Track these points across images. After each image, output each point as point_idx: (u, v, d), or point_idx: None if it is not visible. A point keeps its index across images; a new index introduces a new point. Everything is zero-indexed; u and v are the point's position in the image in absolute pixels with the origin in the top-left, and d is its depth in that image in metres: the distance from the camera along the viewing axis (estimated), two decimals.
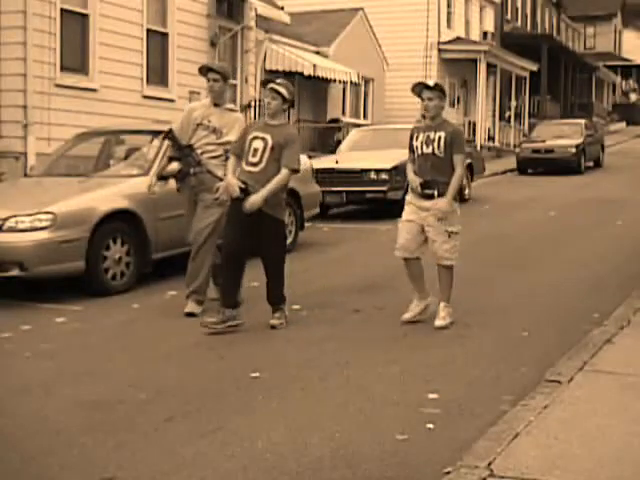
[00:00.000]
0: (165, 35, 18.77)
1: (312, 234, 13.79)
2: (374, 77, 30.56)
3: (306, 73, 24.58)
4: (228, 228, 7.99)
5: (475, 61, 33.71)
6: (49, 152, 13.36)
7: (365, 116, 30.33)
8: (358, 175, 16.63)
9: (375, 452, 5.00)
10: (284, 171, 7.82)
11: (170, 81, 18.67)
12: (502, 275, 10.65)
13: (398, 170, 16.52)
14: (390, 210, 16.00)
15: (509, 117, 37.87)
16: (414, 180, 7.89)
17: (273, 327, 7.97)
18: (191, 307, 8.50)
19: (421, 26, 32.57)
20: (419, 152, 7.89)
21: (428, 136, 7.84)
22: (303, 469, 4.80)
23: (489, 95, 36.10)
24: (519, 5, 45.15)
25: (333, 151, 20.58)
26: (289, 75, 25.17)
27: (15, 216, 9.29)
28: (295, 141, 8.00)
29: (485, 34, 37.58)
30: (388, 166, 16.49)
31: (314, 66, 24.56)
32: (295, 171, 7.96)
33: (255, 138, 7.88)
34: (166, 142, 9.06)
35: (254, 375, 6.51)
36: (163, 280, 10.07)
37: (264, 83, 8.11)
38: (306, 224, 13.25)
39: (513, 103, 38.01)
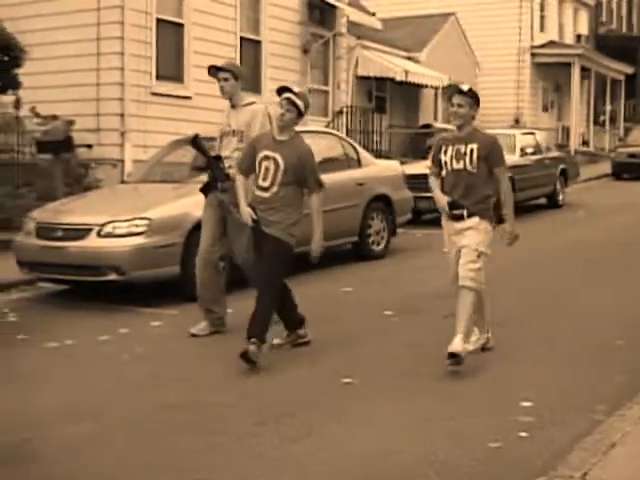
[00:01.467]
0: (258, 43, 18.98)
1: (404, 240, 13.77)
2: (467, 81, 30.32)
3: (398, 79, 24.55)
4: (255, 261, 7.42)
5: (569, 65, 33.21)
6: (145, 159, 13.62)
7: None
8: None
9: (466, 460, 4.97)
10: (315, 197, 7.30)
11: (263, 88, 18.86)
12: (594, 281, 10.47)
13: None
14: None
15: (604, 121, 37.20)
16: (441, 199, 7.05)
17: (244, 355, 6.80)
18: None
19: (514, 30, 32.25)
20: (449, 168, 6.98)
21: (458, 150, 6.94)
22: (393, 476, 4.81)
23: (583, 99, 35.50)
24: (614, 7, 44.32)
25: (425, 157, 20.49)
26: (381, 81, 25.22)
27: (112, 222, 9.50)
28: (310, 158, 7.32)
29: (579, 37, 36.98)
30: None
31: (406, 72, 24.52)
32: (321, 192, 7.38)
33: (265, 158, 7.18)
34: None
35: (345, 381, 6.53)
36: None
37: (279, 91, 7.34)
38: (398, 230, 13.25)
39: (608, 107, 37.31)
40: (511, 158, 17.65)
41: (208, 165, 8.14)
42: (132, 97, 15.66)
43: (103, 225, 9.49)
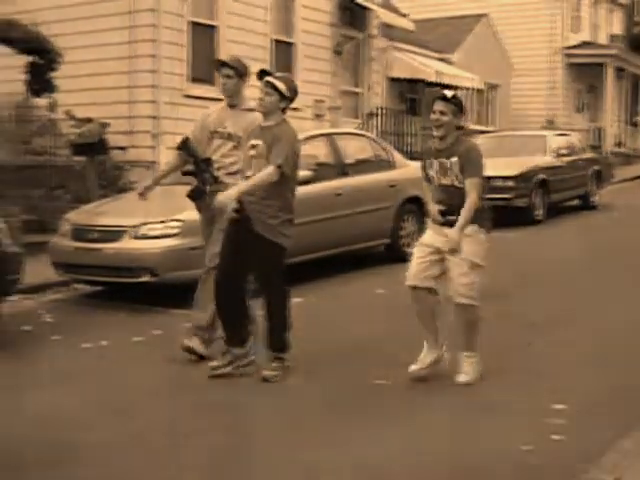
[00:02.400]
0: (290, 45, 19.03)
1: None
2: (499, 83, 30.24)
3: (430, 80, 24.51)
4: (223, 255, 6.86)
5: (603, 65, 33.01)
6: None
7: (491, 123, 30.04)
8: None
9: (498, 462, 4.97)
10: (269, 168, 6.55)
11: None
12: (627, 283, 10.40)
13: (524, 177, 16.45)
14: (516, 217, 15.88)
15: (638, 122, 36.92)
16: (433, 209, 6.60)
17: (265, 379, 6.67)
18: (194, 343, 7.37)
19: (547, 31, 32.10)
20: (436, 183, 6.55)
21: (442, 164, 6.45)
22: (423, 478, 4.82)
23: (617, 100, 35.26)
24: None
25: None
26: (413, 82, 25.19)
27: (146, 223, 9.57)
28: (283, 138, 6.65)
29: (613, 37, 36.75)
30: (514, 173, 16.40)
31: (438, 73, 24.47)
32: (280, 168, 6.57)
33: (252, 147, 6.74)
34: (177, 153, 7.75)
35: (375, 382, 6.53)
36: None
37: (260, 74, 6.88)
38: None
39: None
40: (544, 159, 17.65)
41: (197, 168, 7.51)
42: (165, 99, 15.76)
43: (137, 227, 9.57)
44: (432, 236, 6.57)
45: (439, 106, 6.40)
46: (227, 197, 6.64)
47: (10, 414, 6.09)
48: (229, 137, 7.44)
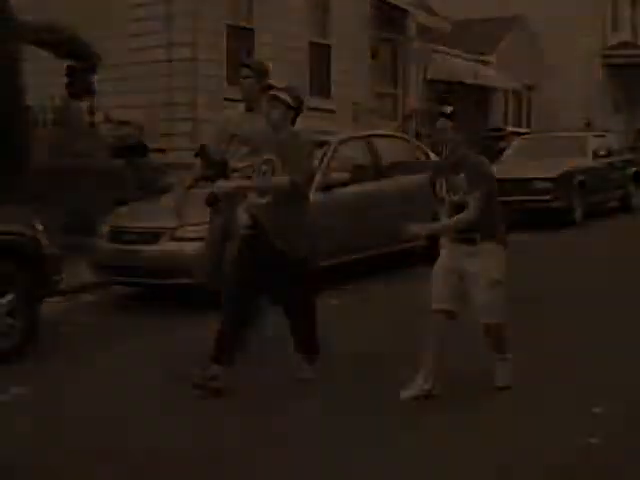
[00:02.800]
0: (327, 47, 19.06)
1: None
2: (537, 84, 30.10)
3: (467, 82, 24.45)
4: (235, 270, 6.76)
5: None
6: None
7: (528, 124, 29.90)
8: (521, 184, 16.42)
9: (535, 465, 4.96)
10: (285, 179, 6.48)
11: (332, 92, 18.93)
12: None
13: (562, 179, 16.34)
14: (554, 219, 15.80)
15: None
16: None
17: (300, 380, 6.84)
18: None
19: (585, 31, 31.86)
20: (447, 200, 6.40)
21: (452, 182, 6.32)
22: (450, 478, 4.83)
23: None
24: None
25: (493, 160, 20.35)
26: (450, 84, 25.14)
27: (183, 225, 9.61)
28: (297, 150, 6.62)
29: None
30: (552, 175, 16.30)
31: (475, 74, 24.40)
32: (294, 182, 6.48)
33: (265, 162, 6.63)
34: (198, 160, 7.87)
35: (408, 385, 6.49)
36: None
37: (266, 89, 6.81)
38: None
39: None
40: (582, 161, 17.52)
41: (213, 174, 7.56)
42: (204, 102, 15.85)
43: (175, 229, 9.62)
44: (449, 256, 6.44)
45: (440, 124, 6.34)
46: (226, 186, 6.86)
47: (47, 414, 6.17)
48: (245, 142, 7.35)
